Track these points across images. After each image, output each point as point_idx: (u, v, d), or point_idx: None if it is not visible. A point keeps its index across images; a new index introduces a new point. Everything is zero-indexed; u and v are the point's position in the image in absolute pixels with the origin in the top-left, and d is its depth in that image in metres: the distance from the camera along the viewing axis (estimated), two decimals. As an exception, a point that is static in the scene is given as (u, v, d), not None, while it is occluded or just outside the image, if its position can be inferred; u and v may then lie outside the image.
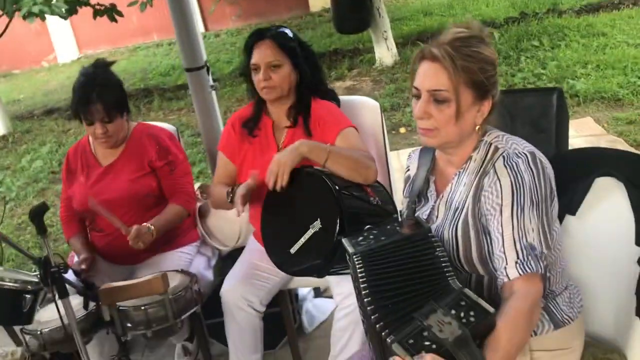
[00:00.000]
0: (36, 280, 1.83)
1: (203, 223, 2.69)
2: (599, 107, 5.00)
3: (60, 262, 1.72)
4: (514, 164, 1.38)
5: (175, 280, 2.18)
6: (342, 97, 2.50)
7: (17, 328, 2.22)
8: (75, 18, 11.13)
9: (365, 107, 2.54)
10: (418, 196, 1.60)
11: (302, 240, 1.83)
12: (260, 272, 2.27)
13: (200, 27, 13.34)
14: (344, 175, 1.89)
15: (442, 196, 1.53)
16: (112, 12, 7.35)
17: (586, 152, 1.82)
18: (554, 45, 6.64)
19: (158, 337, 2.14)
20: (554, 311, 1.48)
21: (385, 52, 7.53)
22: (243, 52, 2.18)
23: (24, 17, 6.06)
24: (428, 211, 1.56)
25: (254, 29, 2.22)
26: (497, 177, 1.39)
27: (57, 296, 1.70)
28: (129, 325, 2.07)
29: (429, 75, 1.41)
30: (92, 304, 2.04)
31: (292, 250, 1.86)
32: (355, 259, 1.29)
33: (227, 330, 2.29)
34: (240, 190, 2.03)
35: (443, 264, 1.26)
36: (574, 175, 1.70)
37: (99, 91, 2.29)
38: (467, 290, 1.21)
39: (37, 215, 1.66)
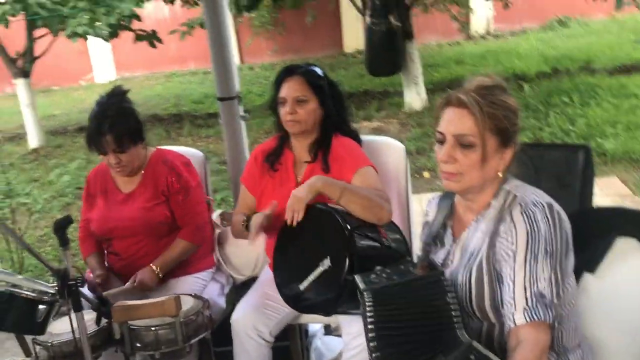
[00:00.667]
0: (53, 291, 1.86)
1: (221, 250, 2.71)
2: (626, 167, 4.96)
3: (78, 275, 1.75)
4: (530, 212, 1.39)
5: (187, 304, 2.19)
6: (367, 137, 2.53)
7: (28, 338, 2.24)
8: (115, 40, 11.50)
9: (391, 149, 2.56)
10: (435, 240, 1.60)
11: (312, 277, 1.84)
12: (272, 302, 2.27)
13: (235, 58, 13.66)
14: (357, 213, 1.90)
15: (459, 241, 1.54)
16: (152, 39, 7.58)
17: (609, 211, 1.81)
18: (584, 103, 6.63)
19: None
20: None
21: (414, 97, 7.60)
22: (273, 85, 2.23)
23: (68, 37, 6.28)
24: (444, 255, 1.56)
25: (286, 65, 2.28)
26: (514, 223, 1.40)
27: (71, 309, 1.71)
28: (138, 345, 2.08)
29: (455, 121, 1.44)
30: (104, 321, 2.06)
31: (302, 287, 1.87)
32: (366, 296, 1.29)
33: (236, 358, 2.28)
34: (257, 218, 2.06)
35: (453, 312, 1.26)
36: (595, 233, 1.69)
37: (110, 122, 2.31)
38: (475, 344, 1.20)
39: (61, 227, 1.70)
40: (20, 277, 1.95)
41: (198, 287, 2.51)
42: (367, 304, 1.28)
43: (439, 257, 1.57)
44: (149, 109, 10.05)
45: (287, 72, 2.21)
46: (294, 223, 1.88)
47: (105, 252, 2.56)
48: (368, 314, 1.26)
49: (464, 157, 1.44)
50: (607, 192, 4.45)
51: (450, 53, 11.74)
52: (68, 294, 1.71)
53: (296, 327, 2.52)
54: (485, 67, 9.78)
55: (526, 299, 1.33)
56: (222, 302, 2.59)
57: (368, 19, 7.23)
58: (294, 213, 1.87)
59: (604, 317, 1.65)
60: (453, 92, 1.48)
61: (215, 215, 2.75)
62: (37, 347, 2.07)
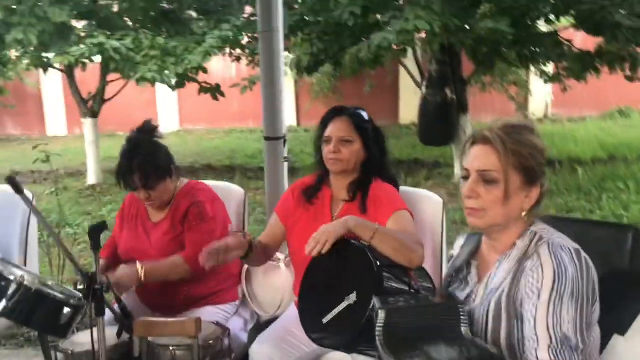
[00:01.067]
0: (79, 296, 1.92)
1: (248, 285, 2.73)
2: (680, 258, 4.74)
3: (105, 281, 1.81)
4: (558, 254, 1.38)
5: (208, 330, 2.20)
6: (406, 188, 2.55)
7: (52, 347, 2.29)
8: (182, 93, 12.02)
9: (429, 200, 2.57)
10: (458, 277, 1.59)
11: (336, 311, 1.82)
12: (292, 339, 2.25)
13: (293, 120, 14.06)
14: (389, 255, 1.89)
15: (483, 281, 1.52)
16: (215, 91, 7.91)
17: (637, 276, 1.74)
18: (640, 191, 6.46)
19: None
20: None
21: (465, 170, 7.57)
22: (320, 124, 2.30)
23: (137, 81, 6.65)
24: (466, 294, 1.54)
25: (334, 106, 2.35)
26: (541, 262, 1.38)
27: (93, 313, 1.76)
28: (155, 363, 2.09)
29: (480, 157, 1.46)
30: (125, 336, 2.09)
31: (325, 320, 1.86)
32: (380, 314, 1.29)
33: (251, 390, 2.26)
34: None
35: (461, 318, 1.24)
36: (627, 295, 1.64)
37: (139, 161, 2.37)
38: (475, 339, 1.18)
39: (96, 232, 1.77)
40: (51, 281, 2.02)
41: (221, 318, 2.52)
42: (379, 323, 1.28)
43: (462, 295, 1.56)
44: (205, 159, 10.41)
45: (335, 112, 2.28)
46: (314, 253, 1.88)
47: None
48: (377, 331, 1.25)
49: (487, 192, 1.45)
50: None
51: (507, 133, 11.71)
52: (92, 297, 1.76)
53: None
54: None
55: (550, 337, 1.30)
56: (244, 337, 2.58)
57: (424, 89, 7.38)
58: (317, 244, 1.87)
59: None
60: (480, 129, 1.50)
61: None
62: (58, 355, 2.12)
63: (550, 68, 8.15)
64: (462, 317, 1.30)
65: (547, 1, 6.04)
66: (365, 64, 8.99)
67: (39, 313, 1.85)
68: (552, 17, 6.49)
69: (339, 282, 1.91)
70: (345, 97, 13.59)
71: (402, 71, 12.25)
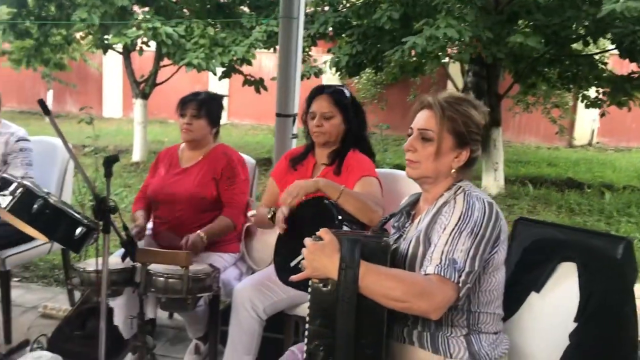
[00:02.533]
0: (94, 220, 2.28)
1: (247, 242, 3.05)
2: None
3: (113, 204, 2.16)
4: (471, 201, 1.63)
5: (200, 266, 2.53)
6: (388, 170, 2.83)
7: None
8: (232, 88, 12.50)
9: (409, 181, 2.82)
10: (399, 225, 1.87)
11: (300, 257, 2.12)
12: (271, 284, 2.55)
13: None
14: (352, 212, 2.18)
15: (413, 224, 1.79)
16: (258, 84, 8.31)
17: (554, 241, 1.96)
18: (662, 218, 6.48)
19: (171, 307, 2.47)
20: (474, 343, 1.64)
21: (491, 182, 7.72)
22: (305, 101, 2.61)
23: (186, 66, 7.10)
24: (399, 234, 1.82)
25: (318, 85, 2.66)
26: (454, 205, 1.65)
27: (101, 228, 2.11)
28: (151, 288, 2.43)
29: (422, 118, 1.73)
30: (128, 263, 2.44)
31: (292, 264, 2.16)
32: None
33: (230, 328, 2.56)
34: (282, 212, 2.39)
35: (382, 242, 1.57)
36: (542, 258, 1.88)
37: (200, 98, 2.89)
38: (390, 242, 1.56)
39: (110, 162, 2.12)
40: (70, 205, 2.39)
41: (220, 264, 2.84)
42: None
43: (395, 236, 1.84)
44: (245, 152, 10.80)
45: (318, 91, 2.59)
46: (286, 203, 2.18)
47: (153, 216, 2.99)
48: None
49: (423, 148, 1.72)
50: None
51: (546, 155, 11.73)
52: (102, 216, 2.11)
53: (292, 321, 2.76)
54: (575, 172, 9.73)
55: (440, 259, 1.55)
56: (236, 284, 2.90)
57: (458, 101, 7.56)
58: (289, 195, 2.18)
59: (541, 332, 1.81)
60: (426, 96, 1.77)
61: (251, 213, 3.11)
62: (72, 272, 2.49)
63: (592, 93, 8.18)
64: (384, 237, 1.61)
65: (580, 22, 6.16)
66: (406, 71, 9.26)
67: (58, 226, 2.21)
68: (588, 38, 6.58)
69: (307, 233, 2.21)
70: (390, 105, 13.81)
71: (450, 83, 12.45)
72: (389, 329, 1.61)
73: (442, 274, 1.53)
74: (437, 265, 1.55)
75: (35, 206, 2.17)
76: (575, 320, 1.68)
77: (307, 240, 1.64)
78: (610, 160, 11.14)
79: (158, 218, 2.95)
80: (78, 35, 9.52)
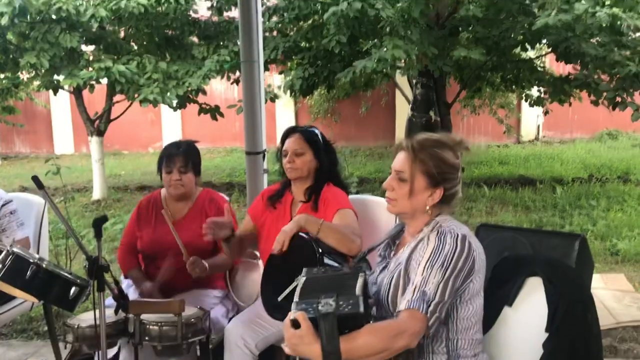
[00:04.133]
0: (84, 278, 2.36)
1: (231, 279, 3.16)
2: (635, 268, 5.15)
3: (105, 264, 2.25)
4: (442, 236, 1.80)
5: (191, 311, 2.64)
6: (361, 197, 3.00)
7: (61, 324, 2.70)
8: (185, 114, 12.52)
9: (382, 207, 3.00)
10: (384, 254, 2.03)
11: (287, 291, 2.26)
12: (261, 320, 2.68)
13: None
14: (332, 244, 2.33)
15: (396, 256, 1.96)
16: (214, 112, 8.40)
17: (522, 258, 2.17)
18: (610, 208, 6.87)
19: (167, 354, 2.56)
20: None
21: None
22: (280, 141, 2.76)
23: (141, 102, 7.14)
24: (383, 265, 1.98)
25: (290, 126, 2.84)
26: (427, 243, 1.82)
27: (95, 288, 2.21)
28: (145, 337, 2.53)
29: (398, 160, 1.90)
30: (121, 314, 2.53)
31: (279, 298, 2.29)
32: (301, 277, 1.79)
33: (224, 364, 2.68)
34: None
35: (357, 283, 1.69)
36: (511, 275, 2.07)
37: (183, 149, 2.96)
38: (361, 297, 1.61)
39: (99, 223, 2.22)
40: (60, 266, 2.46)
41: (207, 303, 2.95)
42: (299, 283, 1.73)
43: (380, 266, 1.99)
44: (205, 177, 10.87)
45: (290, 131, 2.76)
46: (280, 252, 2.33)
47: (147, 265, 3.06)
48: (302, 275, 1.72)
49: (399, 187, 1.88)
50: (610, 286, 4.65)
51: (497, 154, 12.17)
52: (95, 275, 2.21)
53: (283, 353, 2.88)
54: (526, 168, 10.15)
55: (413, 293, 1.72)
56: (225, 322, 3.00)
57: (409, 112, 7.86)
58: (279, 244, 2.32)
59: (517, 344, 2.00)
60: (402, 140, 1.93)
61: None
62: (66, 329, 2.56)
63: (535, 92, 8.58)
64: (359, 279, 1.71)
65: (517, 32, 6.52)
66: (357, 87, 9.52)
67: (52, 289, 2.29)
68: (527, 45, 6.95)
69: (291, 269, 2.35)
70: (343, 119, 14.09)
71: (399, 93, 12.79)
72: None
73: (412, 306, 1.69)
74: (409, 300, 1.71)
75: (28, 272, 2.25)
76: (546, 330, 1.87)
77: (287, 322, 1.68)
78: (557, 153, 11.64)
79: (154, 267, 3.02)
80: (24, 77, 9.42)
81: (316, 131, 2.77)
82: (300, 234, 2.37)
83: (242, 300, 3.12)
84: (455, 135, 1.96)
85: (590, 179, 8.58)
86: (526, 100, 8.81)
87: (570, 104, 8.05)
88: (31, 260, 2.26)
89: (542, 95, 8.27)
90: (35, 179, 2.02)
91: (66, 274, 2.33)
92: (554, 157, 11.23)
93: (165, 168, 2.97)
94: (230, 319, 3.07)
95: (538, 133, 14.35)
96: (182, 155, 2.95)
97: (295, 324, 1.62)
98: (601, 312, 3.81)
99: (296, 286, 2.26)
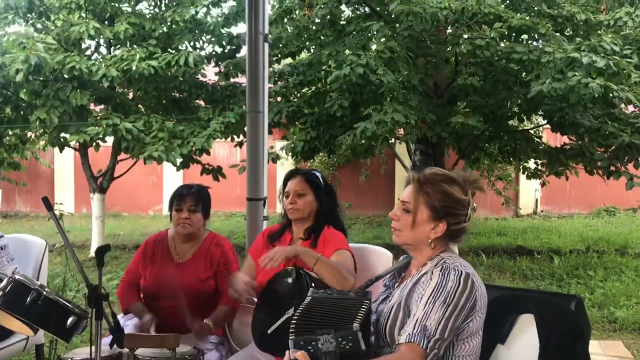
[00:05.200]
0: (83, 308, 2.39)
1: (229, 324, 3.16)
2: (633, 335, 5.12)
3: (104, 293, 2.28)
4: (446, 273, 1.83)
5: (186, 348, 2.64)
6: (361, 245, 3.06)
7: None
8: (187, 177, 12.67)
9: (380, 254, 3.06)
10: (390, 285, 2.06)
11: (277, 323, 2.28)
12: (254, 360, 2.68)
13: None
14: (326, 279, 2.37)
15: (400, 287, 1.99)
16: (217, 173, 8.53)
17: (515, 296, 2.19)
18: (607, 278, 6.87)
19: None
20: None
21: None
22: (282, 183, 2.85)
23: (145, 160, 7.28)
24: (387, 294, 2.01)
25: (291, 169, 2.93)
26: (431, 277, 1.84)
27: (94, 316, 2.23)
28: (140, 373, 2.52)
29: (406, 192, 1.96)
30: (116, 349, 2.53)
31: (269, 331, 2.31)
32: (309, 296, 1.79)
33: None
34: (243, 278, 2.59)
35: (358, 315, 1.68)
36: (505, 313, 2.09)
37: (195, 190, 3.06)
38: (359, 333, 1.62)
39: (102, 252, 2.27)
40: (60, 294, 2.49)
41: (202, 346, 2.93)
42: (304, 303, 1.75)
43: (383, 295, 2.02)
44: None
45: (292, 173, 2.85)
46: (267, 267, 2.36)
47: (149, 304, 3.05)
48: (303, 305, 1.72)
49: (403, 218, 1.93)
50: (609, 353, 4.60)
51: (495, 226, 12.22)
52: (94, 304, 2.23)
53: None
54: (524, 239, 10.18)
55: (414, 327, 1.73)
56: (218, 367, 2.99)
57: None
58: (269, 259, 2.35)
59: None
60: (414, 172, 1.99)
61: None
62: (60, 364, 2.55)
63: (532, 164, 8.73)
64: (361, 311, 1.72)
65: (514, 101, 6.75)
66: (358, 154, 9.70)
67: (50, 317, 2.30)
68: (523, 115, 7.18)
69: (282, 303, 2.38)
70: (342, 187, 14.20)
71: (398, 164, 13.01)
72: None
73: (412, 340, 1.71)
74: (409, 334, 1.73)
75: (28, 299, 2.27)
76: (538, 363, 1.89)
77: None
78: (555, 226, 11.70)
79: (156, 307, 3.02)
80: (32, 134, 9.63)
81: (317, 174, 2.86)
82: (297, 268, 2.41)
83: (239, 346, 3.10)
84: (470, 174, 1.99)
85: (588, 250, 8.61)
86: (523, 173, 8.95)
87: (567, 178, 8.19)
88: (32, 287, 2.29)
89: (539, 168, 8.42)
90: (45, 200, 2.09)
91: (65, 302, 2.35)
92: (552, 230, 11.28)
93: (175, 206, 3.04)
94: (224, 363, 3.06)
95: (536, 207, 14.46)
96: (193, 196, 3.03)
97: None
98: (600, 379, 3.81)
99: (287, 318, 2.29)
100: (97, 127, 7.41)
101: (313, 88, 8.14)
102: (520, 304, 2.07)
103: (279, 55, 8.12)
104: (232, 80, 8.63)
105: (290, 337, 1.62)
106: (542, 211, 14.43)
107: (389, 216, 1.98)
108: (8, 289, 2.31)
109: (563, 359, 1.86)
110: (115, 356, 2.55)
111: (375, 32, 6.73)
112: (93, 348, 2.29)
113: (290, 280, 2.39)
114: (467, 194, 1.93)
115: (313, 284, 2.28)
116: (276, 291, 2.41)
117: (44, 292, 2.30)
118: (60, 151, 8.76)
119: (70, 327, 2.34)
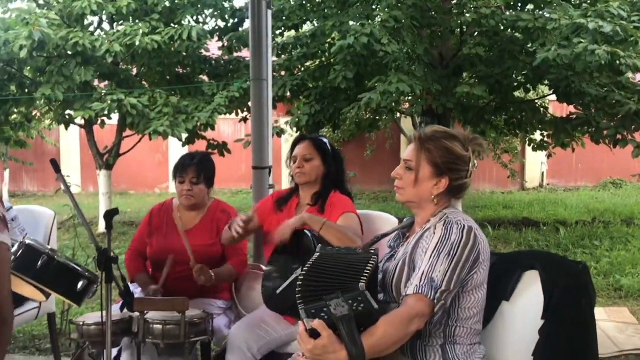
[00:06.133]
0: (93, 272, 2.42)
1: (236, 289, 3.20)
2: (638, 302, 5.14)
3: (114, 256, 2.31)
4: (449, 226, 1.85)
5: (195, 312, 2.68)
6: (367, 211, 3.07)
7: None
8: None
9: (385, 220, 3.09)
10: (395, 245, 2.08)
11: (285, 283, 2.31)
12: (264, 325, 2.71)
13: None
14: (333, 242, 2.40)
15: (404, 244, 2.01)
16: (222, 148, 8.53)
17: (518, 254, 2.22)
18: (613, 247, 6.89)
19: (168, 353, 2.59)
20: (448, 352, 1.85)
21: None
22: (290, 148, 2.86)
23: (150, 135, 7.29)
24: (392, 253, 2.03)
25: (299, 134, 2.94)
26: (434, 231, 1.87)
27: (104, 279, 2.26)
28: (149, 337, 2.56)
29: (408, 150, 1.98)
30: (126, 313, 2.57)
31: (277, 291, 2.34)
32: (317, 251, 1.80)
33: (226, 366, 2.70)
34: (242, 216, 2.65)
35: (364, 273, 1.69)
36: (509, 271, 2.11)
37: (197, 160, 3.04)
38: (366, 292, 1.62)
39: (110, 215, 2.30)
40: (71, 258, 2.53)
41: (210, 311, 2.97)
42: (310, 260, 1.75)
43: (387, 255, 2.05)
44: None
45: (300, 138, 2.86)
46: (279, 243, 2.40)
47: (154, 270, 3.10)
48: (308, 263, 1.73)
49: (406, 176, 1.95)
50: (614, 319, 4.63)
51: (501, 199, 12.23)
52: (104, 266, 2.26)
53: (284, 358, 2.90)
54: (530, 212, 10.19)
55: (420, 279, 1.75)
56: (226, 332, 3.03)
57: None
58: (280, 235, 2.40)
59: (515, 336, 2.03)
60: (415, 131, 2.01)
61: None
62: (71, 327, 2.60)
63: (537, 136, 8.69)
64: (367, 268, 1.71)
65: (519, 70, 6.70)
66: (362, 127, 9.68)
67: (61, 280, 2.34)
68: (528, 86, 7.12)
69: (290, 264, 2.41)
70: (347, 162, 14.09)
71: (403, 138, 12.98)
72: None
73: (420, 291, 1.73)
74: (416, 285, 1.75)
75: (39, 263, 2.31)
76: (542, 317, 1.91)
77: (302, 332, 1.62)
78: (561, 199, 11.70)
79: (160, 272, 3.04)
80: (37, 112, 9.64)
81: (324, 139, 2.87)
82: (305, 230, 2.44)
83: (247, 311, 3.14)
84: (469, 133, 2.00)
85: (594, 221, 8.61)
86: (529, 144, 8.92)
87: (573, 149, 8.15)
88: (42, 251, 2.33)
89: (545, 139, 8.38)
90: (52, 161, 2.11)
91: (76, 266, 2.39)
92: (557, 202, 11.28)
93: (178, 178, 3.05)
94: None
95: (542, 180, 14.44)
96: (195, 167, 3.02)
97: (314, 333, 1.59)
98: (604, 341, 3.88)
99: (294, 278, 2.31)
100: (101, 103, 7.41)
101: (317, 61, 8.09)
102: (525, 261, 2.09)
103: (282, 28, 8.06)
104: (235, 54, 8.58)
105: (300, 307, 1.59)
106: (548, 184, 14.41)
107: (392, 175, 1.99)
108: (19, 253, 2.34)
109: (567, 313, 1.88)
110: (125, 319, 2.60)
111: (379, 2, 6.66)
112: (104, 312, 2.33)
113: (297, 241, 2.43)
114: (467, 150, 1.95)
115: (320, 244, 2.30)
116: (284, 251, 2.44)
117: (55, 256, 2.34)
118: (66, 128, 8.77)
119: (81, 290, 2.39)
